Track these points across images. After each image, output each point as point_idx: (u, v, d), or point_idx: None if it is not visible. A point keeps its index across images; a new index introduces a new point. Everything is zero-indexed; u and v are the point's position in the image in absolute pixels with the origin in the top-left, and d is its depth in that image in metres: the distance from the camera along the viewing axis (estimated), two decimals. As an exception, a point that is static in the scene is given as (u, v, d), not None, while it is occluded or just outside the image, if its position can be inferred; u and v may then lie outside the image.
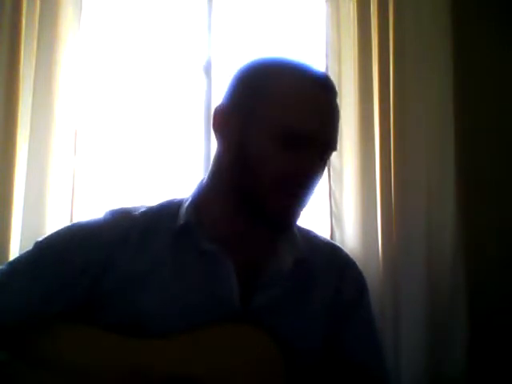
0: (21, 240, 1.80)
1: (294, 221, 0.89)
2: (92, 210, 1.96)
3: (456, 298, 1.98)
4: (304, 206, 0.88)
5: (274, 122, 0.82)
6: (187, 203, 0.91)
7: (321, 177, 0.88)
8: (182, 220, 0.88)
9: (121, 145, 2.08)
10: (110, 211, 0.93)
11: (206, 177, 0.93)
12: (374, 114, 2.04)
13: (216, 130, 0.89)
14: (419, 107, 2.05)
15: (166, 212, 0.92)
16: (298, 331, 0.88)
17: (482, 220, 2.08)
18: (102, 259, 0.86)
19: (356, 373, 0.92)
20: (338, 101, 0.87)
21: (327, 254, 0.98)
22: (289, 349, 0.82)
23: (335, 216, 2.05)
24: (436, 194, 2.04)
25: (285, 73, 0.85)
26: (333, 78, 2.03)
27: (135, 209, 0.93)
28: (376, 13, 2.07)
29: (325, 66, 2.12)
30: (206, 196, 0.91)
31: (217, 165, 0.91)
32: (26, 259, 0.90)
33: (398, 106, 2.04)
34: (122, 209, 0.94)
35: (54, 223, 1.85)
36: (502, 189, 2.14)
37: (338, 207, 2.05)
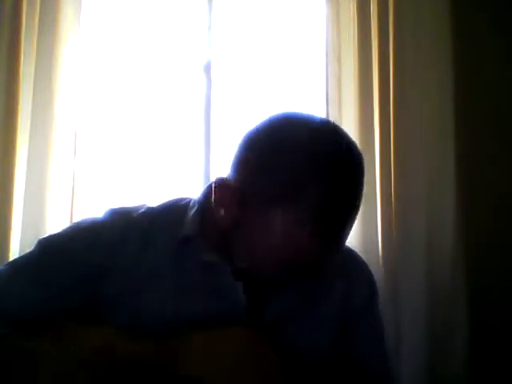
0: (21, 240, 1.80)
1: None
2: (92, 210, 1.96)
3: (456, 298, 1.98)
4: None
5: (277, 243, 0.75)
6: (193, 210, 0.87)
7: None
8: (185, 230, 0.85)
9: (121, 145, 2.08)
10: (110, 211, 0.90)
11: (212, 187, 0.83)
12: (374, 113, 2.04)
13: (214, 199, 0.80)
14: (419, 106, 2.05)
15: (170, 216, 0.88)
16: (308, 335, 0.88)
17: (481, 220, 2.08)
18: (103, 260, 0.84)
19: (361, 375, 0.92)
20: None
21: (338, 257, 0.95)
22: (296, 352, 0.81)
23: (335, 216, 2.04)
24: (436, 193, 2.03)
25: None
26: (333, 78, 2.10)
27: (136, 209, 0.90)
28: (376, 13, 2.07)
29: (325, 66, 2.12)
30: (210, 205, 0.83)
31: (213, 204, 0.81)
32: (27, 260, 0.89)
33: (398, 105, 2.04)
34: (121, 208, 0.91)
35: (54, 223, 1.85)
36: (502, 189, 2.13)
37: (338, 207, 2.04)
